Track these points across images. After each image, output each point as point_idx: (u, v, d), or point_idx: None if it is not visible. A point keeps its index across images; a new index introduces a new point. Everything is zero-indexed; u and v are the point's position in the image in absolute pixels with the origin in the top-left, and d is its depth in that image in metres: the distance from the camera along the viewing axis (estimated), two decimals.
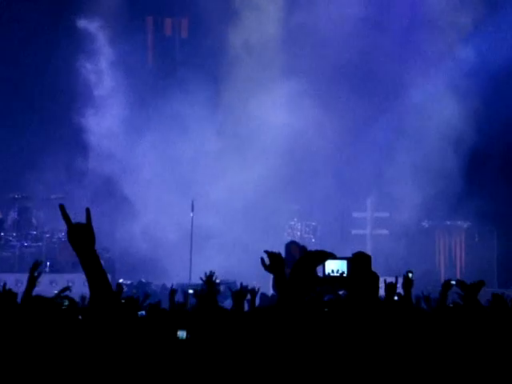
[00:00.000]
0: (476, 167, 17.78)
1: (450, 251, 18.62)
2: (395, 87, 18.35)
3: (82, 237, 3.37)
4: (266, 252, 3.68)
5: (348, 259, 3.61)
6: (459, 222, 18.43)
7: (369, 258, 3.88)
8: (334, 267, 3.57)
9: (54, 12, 18.39)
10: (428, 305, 7.07)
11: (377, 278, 3.85)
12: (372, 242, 18.38)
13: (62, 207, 3.38)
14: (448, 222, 18.47)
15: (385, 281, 5.86)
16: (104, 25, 18.47)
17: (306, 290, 3.32)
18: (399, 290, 8.12)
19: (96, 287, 3.33)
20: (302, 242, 16.51)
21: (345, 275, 3.59)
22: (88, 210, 3.40)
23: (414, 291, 6.91)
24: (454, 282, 6.77)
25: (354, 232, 18.44)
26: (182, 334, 4.99)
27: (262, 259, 3.73)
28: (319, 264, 3.44)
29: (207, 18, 18.47)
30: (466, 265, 18.31)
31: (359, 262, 3.72)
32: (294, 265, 3.42)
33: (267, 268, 3.66)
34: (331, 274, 3.56)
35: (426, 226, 18.40)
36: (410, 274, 6.79)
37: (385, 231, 18.39)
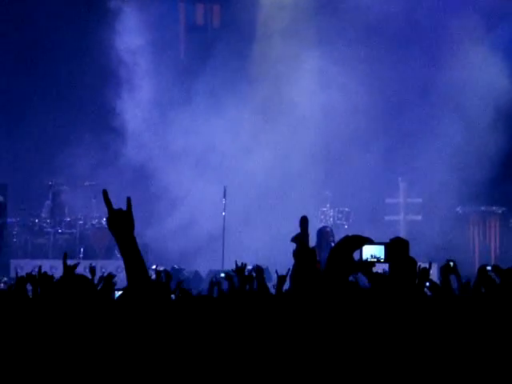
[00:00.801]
0: (507, 154, 17.60)
1: (485, 237, 18.47)
2: (435, 62, 18.12)
3: (122, 223, 3.40)
4: (294, 239, 3.71)
5: (385, 244, 3.59)
6: (494, 208, 18.27)
7: (406, 243, 3.86)
8: (372, 252, 3.56)
9: None
10: (464, 290, 7.00)
11: (415, 263, 3.83)
12: (405, 228, 18.27)
13: (104, 192, 3.42)
14: (482, 208, 18.31)
15: (419, 267, 5.83)
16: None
17: (344, 274, 3.32)
18: (434, 277, 8.06)
19: (134, 273, 3.35)
20: (334, 229, 16.50)
21: (382, 260, 3.57)
22: (129, 200, 3.44)
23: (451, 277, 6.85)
24: (489, 268, 6.72)
25: (387, 218, 18.35)
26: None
27: (298, 239, 3.74)
28: (356, 249, 3.44)
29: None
30: (501, 250, 18.16)
31: (397, 248, 3.70)
32: (332, 250, 3.42)
33: (294, 254, 3.69)
34: (369, 259, 3.55)
35: (460, 211, 18.26)
36: (451, 263, 6.74)
37: (418, 217, 18.28)
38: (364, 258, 3.51)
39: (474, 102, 17.91)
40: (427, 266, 5.95)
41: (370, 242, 3.49)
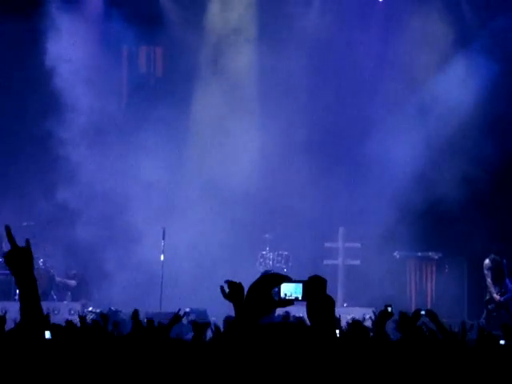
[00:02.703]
0: (445, 201, 17.92)
1: (421, 282, 18.71)
2: (364, 125, 18.53)
3: (22, 259, 3.41)
4: (227, 281, 3.73)
5: (303, 282, 3.63)
6: (430, 253, 18.54)
7: (324, 281, 3.90)
8: (290, 290, 3.60)
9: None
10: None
11: (332, 301, 3.87)
12: (344, 272, 18.41)
13: (7, 228, 3.43)
14: (419, 253, 18.58)
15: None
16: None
17: (261, 312, 3.37)
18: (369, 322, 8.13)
19: (28, 309, 3.36)
20: (273, 272, 16.54)
21: (300, 299, 3.61)
22: (28, 240, 3.45)
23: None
24: (423, 312, 6.82)
25: (325, 262, 18.47)
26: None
27: (222, 288, 3.77)
28: (274, 287, 3.49)
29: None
30: (437, 295, 18.40)
31: (314, 286, 3.74)
32: (250, 287, 3.47)
33: (226, 296, 3.71)
34: (286, 297, 3.58)
35: (398, 256, 18.48)
36: (389, 308, 6.84)
37: (357, 261, 18.44)
38: (282, 295, 3.55)
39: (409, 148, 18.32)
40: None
41: (288, 279, 3.56)
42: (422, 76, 18.55)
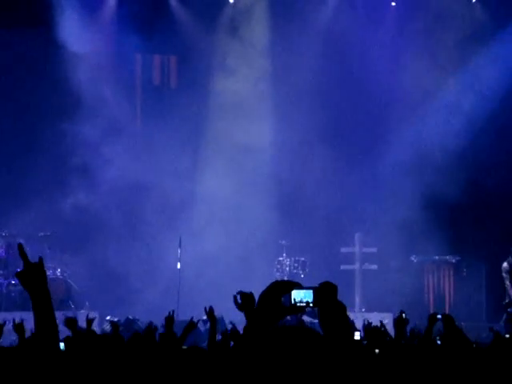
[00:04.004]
0: (464, 202, 17.85)
1: (439, 286, 18.63)
2: (379, 131, 18.51)
3: (36, 275, 3.45)
4: (239, 292, 3.73)
5: (314, 289, 3.62)
6: (447, 257, 18.46)
7: (335, 287, 3.89)
8: (301, 297, 3.58)
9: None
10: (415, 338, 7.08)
11: (344, 307, 3.86)
12: (361, 278, 18.37)
13: (20, 246, 3.46)
14: (436, 257, 18.51)
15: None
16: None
17: (272, 319, 3.37)
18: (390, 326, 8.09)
19: (43, 323, 3.39)
20: (291, 278, 16.52)
21: (311, 305, 3.60)
22: (41, 258, 3.49)
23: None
24: (439, 316, 6.79)
25: (342, 267, 18.43)
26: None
27: (235, 298, 3.76)
28: (285, 294, 3.49)
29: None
30: (455, 299, 18.32)
31: (325, 292, 3.73)
32: (261, 295, 3.46)
33: (239, 307, 3.70)
34: (297, 304, 3.57)
35: (415, 260, 18.42)
36: (404, 314, 6.81)
37: (373, 266, 18.39)
38: (292, 302, 3.54)
39: (426, 150, 18.29)
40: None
41: (299, 286, 3.55)
42: (435, 81, 18.50)
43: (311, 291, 3.58)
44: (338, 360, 3.33)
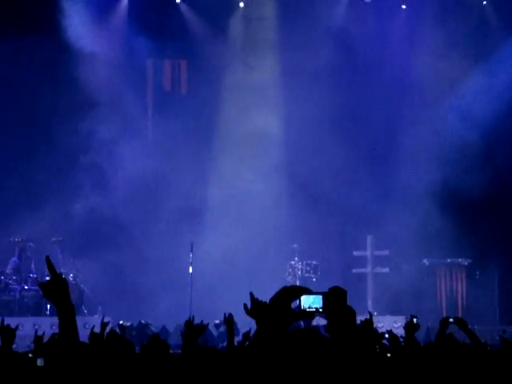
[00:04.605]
0: (477, 205, 17.81)
1: (452, 289, 18.58)
2: (393, 126, 18.48)
3: (60, 288, 3.51)
4: (251, 295, 3.72)
5: (323, 294, 3.62)
6: (460, 260, 18.41)
7: (344, 292, 3.90)
8: (310, 302, 3.59)
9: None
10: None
11: (353, 312, 3.85)
12: (373, 281, 18.34)
13: (47, 259, 3.51)
14: (448, 260, 18.46)
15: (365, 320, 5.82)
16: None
17: (282, 324, 3.37)
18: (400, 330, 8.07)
19: (67, 336, 3.45)
20: (303, 282, 16.55)
21: (320, 310, 3.60)
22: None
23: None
24: (452, 320, 6.76)
25: (354, 271, 18.41)
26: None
27: (245, 305, 3.76)
28: (295, 299, 3.49)
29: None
30: (468, 302, 18.26)
31: (334, 297, 3.73)
32: (271, 300, 3.46)
33: (248, 312, 3.70)
34: (307, 309, 3.57)
35: (427, 263, 18.38)
36: (415, 320, 6.79)
37: (386, 269, 18.36)
38: (302, 307, 3.54)
39: (436, 153, 18.26)
40: (367, 317, 5.90)
41: (308, 291, 3.55)
42: (446, 82, 18.47)
43: (320, 297, 3.58)
44: (344, 363, 3.33)
